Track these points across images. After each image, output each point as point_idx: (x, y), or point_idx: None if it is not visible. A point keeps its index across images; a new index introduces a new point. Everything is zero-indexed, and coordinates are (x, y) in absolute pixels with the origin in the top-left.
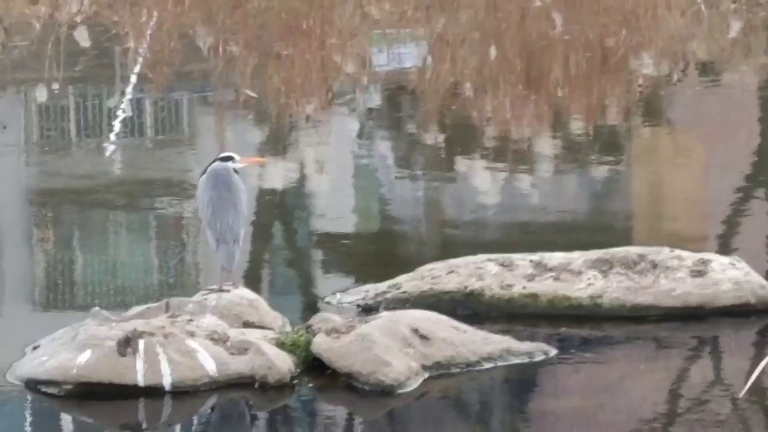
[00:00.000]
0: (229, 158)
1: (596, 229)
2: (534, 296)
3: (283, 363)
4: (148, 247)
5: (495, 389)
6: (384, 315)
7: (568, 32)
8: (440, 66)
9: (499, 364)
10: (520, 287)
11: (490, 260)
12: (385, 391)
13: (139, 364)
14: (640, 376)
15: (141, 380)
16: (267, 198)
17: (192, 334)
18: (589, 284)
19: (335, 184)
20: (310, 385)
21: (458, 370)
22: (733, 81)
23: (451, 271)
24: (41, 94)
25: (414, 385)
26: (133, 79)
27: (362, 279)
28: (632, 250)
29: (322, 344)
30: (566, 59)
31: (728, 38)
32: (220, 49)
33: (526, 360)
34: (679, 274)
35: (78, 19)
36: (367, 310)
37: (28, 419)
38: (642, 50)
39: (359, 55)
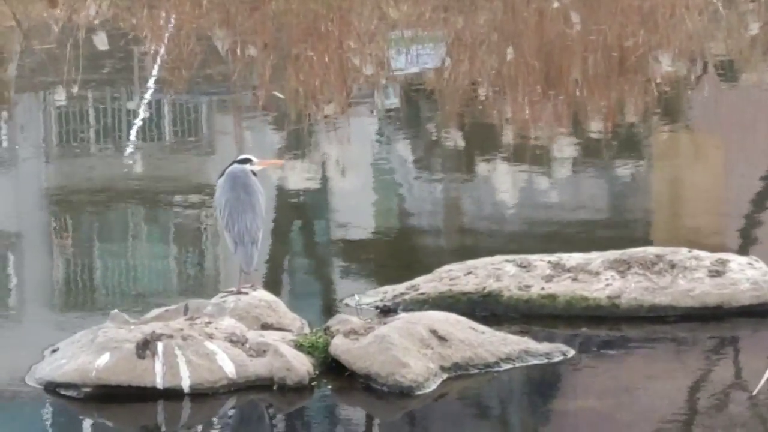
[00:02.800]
0: (246, 160)
1: (614, 230)
2: (552, 297)
3: (302, 365)
4: (166, 249)
5: (513, 390)
6: (402, 316)
7: (586, 33)
8: (458, 67)
9: (518, 365)
10: (538, 288)
11: (507, 261)
12: (404, 393)
13: (158, 367)
14: (659, 376)
15: (160, 382)
16: (285, 200)
17: (211, 336)
18: (607, 285)
19: (354, 186)
20: (329, 386)
21: (476, 371)
22: (752, 80)
23: (469, 273)
24: (60, 97)
25: (432, 386)
26: (152, 81)
27: (380, 280)
28: (650, 251)
29: (340, 346)
30: (584, 60)
31: (747, 37)
32: (239, 52)
33: (545, 361)
34: (697, 275)
35: (96, 22)
36: (386, 311)
37: (48, 422)
38: (660, 50)
39: (378, 56)
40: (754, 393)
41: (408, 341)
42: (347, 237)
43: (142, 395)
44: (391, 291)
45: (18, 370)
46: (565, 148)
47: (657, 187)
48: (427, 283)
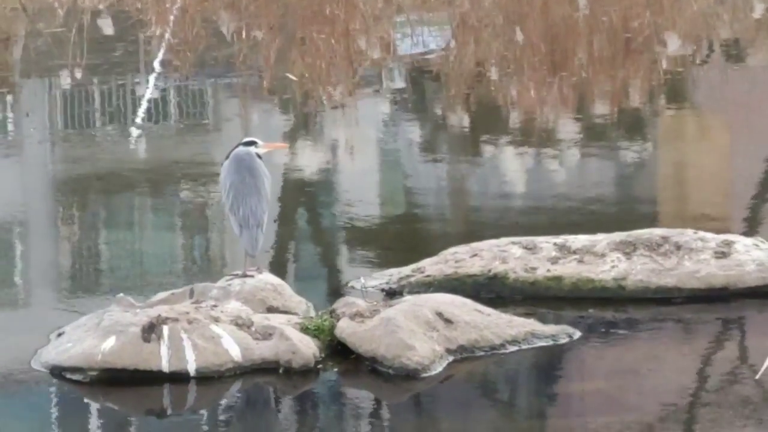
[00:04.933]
0: (252, 143)
1: (620, 212)
2: (558, 279)
3: (308, 348)
4: (172, 233)
5: (519, 372)
6: (408, 299)
7: (592, 14)
8: (464, 50)
9: (524, 347)
10: (543, 270)
11: (513, 243)
12: (410, 375)
13: (164, 350)
14: (665, 358)
15: (166, 366)
16: (291, 183)
17: (216, 320)
18: (613, 266)
19: (359, 169)
20: (335, 369)
21: (482, 353)
22: (757, 62)
23: (475, 255)
24: (66, 81)
25: (438, 368)
26: (157, 65)
27: (386, 263)
28: (656, 232)
29: (346, 329)
30: (590, 42)
31: (752, 19)
32: (244, 35)
33: (551, 343)
34: (703, 256)
35: (101, 6)
36: (391, 294)
37: (54, 406)
38: (666, 32)
39: (383, 39)
40: (757, 376)
41: (414, 324)
42: (353, 220)
43: (148, 379)
44: (396, 274)
45: (24, 354)
46: (571, 130)
47: (663, 169)
48: (432, 266)
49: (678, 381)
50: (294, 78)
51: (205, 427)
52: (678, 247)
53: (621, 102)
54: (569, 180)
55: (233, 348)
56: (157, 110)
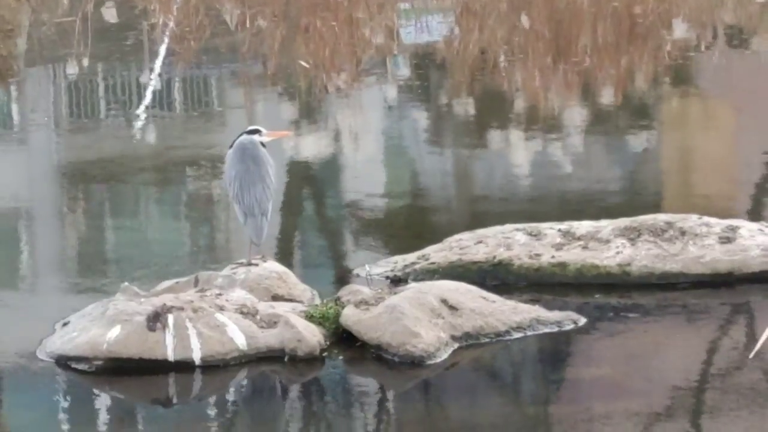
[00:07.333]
0: (256, 131)
1: (624, 197)
2: (562, 265)
3: (313, 336)
4: (177, 221)
5: (524, 359)
6: (413, 286)
7: (596, 0)
8: (468, 37)
9: (529, 333)
10: (548, 256)
11: (518, 230)
12: (415, 362)
13: (169, 339)
14: (670, 343)
15: (171, 355)
16: (295, 171)
17: (221, 308)
18: (618, 252)
19: (364, 156)
20: (340, 357)
21: (487, 340)
22: (761, 47)
23: (480, 242)
24: (70, 71)
25: (443, 355)
26: (162, 54)
27: (391, 250)
28: (660, 218)
29: (351, 316)
30: (595, 28)
31: (757, 4)
32: (248, 23)
33: (556, 329)
34: (708, 241)
35: None
36: (396, 281)
37: (60, 396)
38: (670, 17)
39: (387, 27)
40: (750, 356)
41: (419, 311)
42: (357, 207)
43: (153, 368)
44: (401, 261)
45: (29, 344)
46: (576, 116)
47: (667, 154)
48: (437, 253)
49: (683, 366)
50: (306, 65)
51: (211, 416)
52: (683, 232)
53: (626, 88)
54: (574, 166)
55: (238, 336)
56: (162, 99)
